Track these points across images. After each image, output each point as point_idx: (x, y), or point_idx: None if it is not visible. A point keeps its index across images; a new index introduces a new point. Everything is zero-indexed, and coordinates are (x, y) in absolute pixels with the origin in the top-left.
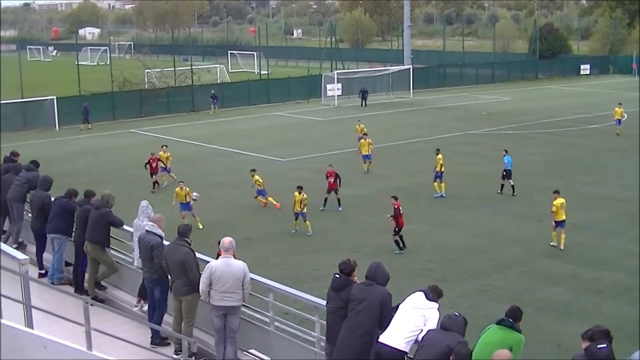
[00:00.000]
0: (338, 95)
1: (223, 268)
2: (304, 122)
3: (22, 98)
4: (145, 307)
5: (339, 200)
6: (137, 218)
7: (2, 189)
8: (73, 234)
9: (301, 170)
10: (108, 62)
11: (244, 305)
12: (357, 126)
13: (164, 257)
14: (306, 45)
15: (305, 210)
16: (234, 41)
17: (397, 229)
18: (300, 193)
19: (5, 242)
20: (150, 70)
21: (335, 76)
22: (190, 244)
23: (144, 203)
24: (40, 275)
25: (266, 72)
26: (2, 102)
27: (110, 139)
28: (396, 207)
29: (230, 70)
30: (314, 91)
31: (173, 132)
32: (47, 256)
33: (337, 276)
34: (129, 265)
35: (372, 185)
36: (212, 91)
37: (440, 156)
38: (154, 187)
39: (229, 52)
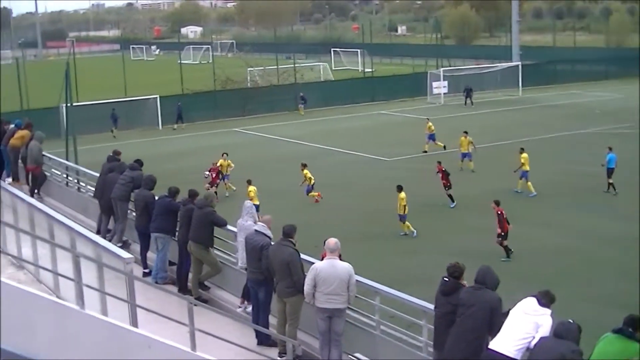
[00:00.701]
0: (444, 93)
1: (328, 269)
2: (409, 121)
3: (126, 97)
4: (249, 309)
5: (450, 196)
6: (241, 218)
7: (107, 187)
8: (177, 233)
9: (406, 170)
10: (210, 61)
11: (349, 307)
12: (427, 124)
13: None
14: (411, 42)
15: (405, 211)
16: (336, 38)
17: (502, 234)
18: (400, 192)
19: (110, 241)
20: (252, 69)
21: (441, 73)
22: (295, 245)
23: (248, 203)
24: (144, 274)
25: (370, 70)
26: (107, 100)
27: (213, 138)
28: (499, 212)
29: (333, 68)
30: (419, 89)
31: (276, 131)
32: (151, 255)
33: (446, 280)
34: (233, 266)
35: (477, 185)
36: (301, 93)
37: (525, 155)
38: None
39: (332, 49)
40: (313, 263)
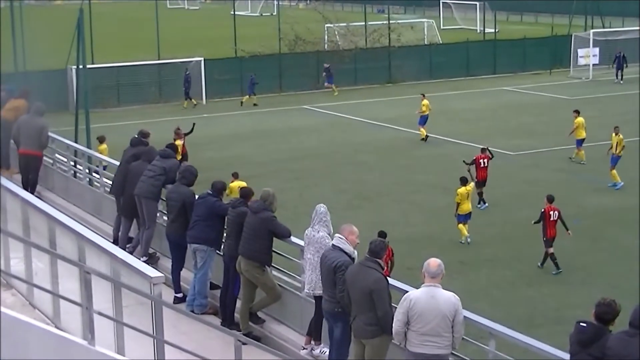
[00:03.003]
0: (594, 65)
1: (426, 301)
2: (543, 102)
3: (159, 60)
4: (318, 350)
5: (480, 194)
6: (310, 227)
7: (129, 181)
8: (222, 245)
9: (538, 169)
10: (275, 13)
11: (453, 353)
12: (422, 102)
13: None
14: None
15: (458, 210)
16: None
17: (545, 239)
18: (465, 186)
19: (131, 253)
20: (331, 25)
21: (591, 37)
22: (383, 268)
23: (322, 208)
24: (177, 300)
25: (492, 31)
26: (132, 62)
27: (276, 117)
28: (543, 211)
29: (442, 27)
30: (560, 58)
31: (361, 111)
32: (187, 274)
33: (583, 325)
34: (297, 292)
35: (628, 195)
36: (326, 64)
37: (580, 119)
38: None
39: (442, 1)
40: (406, 292)
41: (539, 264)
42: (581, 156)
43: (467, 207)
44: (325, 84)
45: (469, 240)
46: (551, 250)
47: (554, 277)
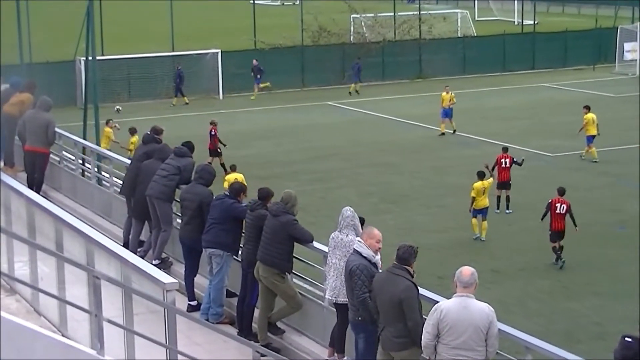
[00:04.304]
0: None
1: (458, 312)
2: (585, 99)
3: (173, 52)
4: None
5: (507, 198)
6: (338, 230)
7: (141, 180)
8: (240, 250)
9: (579, 173)
10: (297, 2)
11: None
12: (444, 94)
13: (369, 290)
14: None
15: (473, 205)
16: None
17: (552, 232)
18: (482, 180)
19: (142, 257)
20: (358, 16)
21: (638, 30)
22: (413, 275)
23: (348, 212)
24: (191, 309)
25: (531, 23)
26: (144, 54)
27: (297, 114)
28: (550, 202)
29: (476, 19)
30: (604, 53)
31: (388, 108)
32: (202, 281)
33: (630, 340)
34: (319, 301)
35: None
36: (358, 60)
37: (590, 115)
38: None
39: None
40: (436, 302)
41: (554, 260)
42: (592, 154)
43: (483, 202)
44: (355, 82)
45: (482, 238)
46: (555, 244)
47: (597, 286)
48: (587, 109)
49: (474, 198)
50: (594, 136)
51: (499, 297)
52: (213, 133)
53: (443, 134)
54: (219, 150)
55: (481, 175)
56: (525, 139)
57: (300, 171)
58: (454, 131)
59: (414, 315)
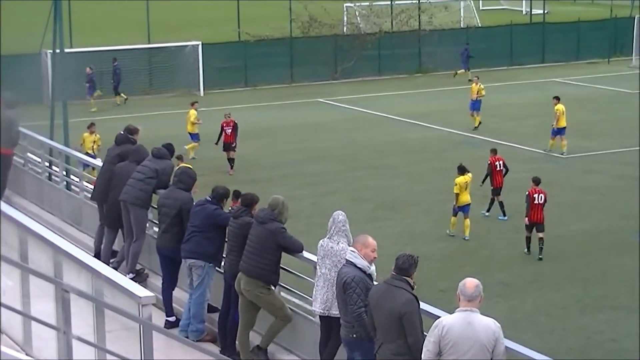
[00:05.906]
0: None
1: (462, 328)
2: (600, 95)
3: (149, 44)
4: None
5: (501, 204)
6: (327, 237)
7: (114, 184)
8: (223, 260)
9: (594, 175)
10: None
11: None
12: (473, 85)
13: (364, 305)
14: None
15: (456, 202)
16: None
17: (529, 224)
18: (464, 175)
19: (116, 269)
20: (352, 5)
21: None
22: (413, 287)
23: (340, 216)
24: (169, 325)
25: (541, 12)
26: (118, 47)
27: (286, 112)
28: (529, 194)
29: (481, 8)
30: (620, 45)
31: (385, 105)
32: (181, 295)
33: None
34: (309, 316)
35: None
36: (467, 45)
37: (560, 106)
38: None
39: None
40: (437, 317)
41: (525, 250)
42: (562, 147)
43: (464, 198)
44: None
45: (465, 237)
46: (529, 234)
47: (613, 300)
48: (557, 99)
49: (457, 194)
50: (564, 128)
51: (506, 311)
52: (232, 126)
53: (476, 127)
54: (233, 144)
55: (462, 170)
56: (533, 138)
57: (289, 174)
58: (476, 126)
59: (414, 332)
